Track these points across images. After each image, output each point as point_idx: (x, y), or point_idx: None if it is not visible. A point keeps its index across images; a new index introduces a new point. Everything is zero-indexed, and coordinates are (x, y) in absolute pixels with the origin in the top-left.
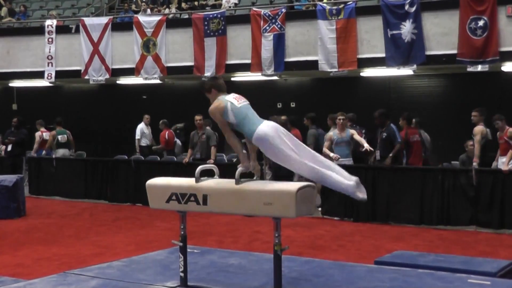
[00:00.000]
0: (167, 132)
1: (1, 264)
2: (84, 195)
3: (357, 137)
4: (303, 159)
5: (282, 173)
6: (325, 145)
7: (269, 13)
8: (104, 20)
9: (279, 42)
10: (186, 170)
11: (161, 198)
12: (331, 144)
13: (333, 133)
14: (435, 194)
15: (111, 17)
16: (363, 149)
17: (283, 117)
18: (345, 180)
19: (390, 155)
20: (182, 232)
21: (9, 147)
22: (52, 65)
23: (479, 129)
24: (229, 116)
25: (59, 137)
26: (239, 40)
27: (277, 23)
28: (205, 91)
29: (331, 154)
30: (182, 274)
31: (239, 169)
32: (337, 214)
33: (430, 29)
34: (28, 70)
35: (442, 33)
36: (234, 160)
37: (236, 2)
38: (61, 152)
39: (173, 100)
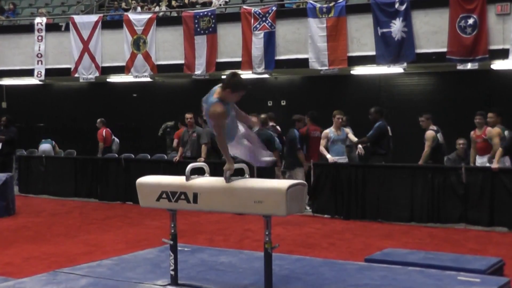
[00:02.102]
0: (104, 130)
1: None
2: (74, 194)
3: (351, 136)
4: None
5: (265, 172)
6: (322, 143)
7: (260, 11)
8: (94, 18)
9: (270, 40)
10: (176, 169)
11: (151, 197)
12: (327, 142)
13: (329, 131)
14: (425, 192)
15: (101, 15)
16: (357, 154)
17: (262, 115)
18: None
19: (359, 140)
20: (173, 231)
21: None
22: (42, 63)
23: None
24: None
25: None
26: (229, 38)
27: (267, 21)
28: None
29: (328, 156)
30: (172, 273)
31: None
32: (328, 212)
33: (420, 27)
34: (18, 68)
35: (432, 31)
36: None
37: (227, 0)
38: (43, 148)
39: (164, 98)
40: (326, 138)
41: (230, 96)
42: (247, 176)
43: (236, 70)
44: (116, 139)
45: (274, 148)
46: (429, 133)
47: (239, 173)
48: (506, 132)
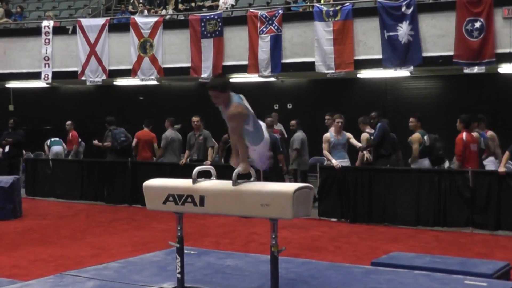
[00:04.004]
0: (76, 133)
1: None
2: (81, 196)
3: (353, 141)
4: None
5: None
6: (324, 147)
7: (266, 14)
8: (101, 21)
9: (276, 43)
10: (183, 172)
11: (158, 199)
12: (329, 146)
13: (330, 134)
14: (432, 196)
15: (108, 18)
16: (365, 160)
17: (269, 119)
18: None
19: (362, 146)
20: (179, 233)
21: (6, 148)
22: (48, 66)
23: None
24: (249, 124)
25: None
26: (236, 42)
27: (274, 25)
28: (219, 90)
29: (333, 161)
30: (179, 275)
31: (237, 169)
32: (334, 216)
33: (427, 30)
34: (25, 71)
35: (438, 35)
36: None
37: (233, 3)
38: (55, 150)
39: (170, 101)
40: (327, 142)
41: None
42: (253, 179)
43: (243, 73)
44: (83, 142)
45: (279, 152)
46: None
47: (246, 176)
48: (425, 137)
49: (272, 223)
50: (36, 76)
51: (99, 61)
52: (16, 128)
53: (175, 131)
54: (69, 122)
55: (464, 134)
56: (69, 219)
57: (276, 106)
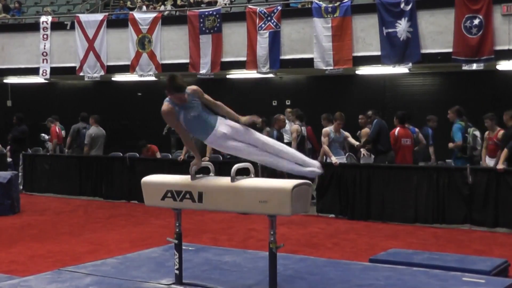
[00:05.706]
0: (57, 128)
1: None
2: (79, 192)
3: (351, 140)
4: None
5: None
6: (324, 141)
7: (265, 10)
8: (99, 16)
9: (275, 39)
10: (181, 168)
11: (156, 196)
12: (329, 141)
13: (330, 130)
14: (430, 193)
15: (106, 13)
16: (362, 156)
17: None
18: (298, 166)
19: (360, 144)
20: (177, 230)
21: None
22: (47, 62)
23: (294, 128)
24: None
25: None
26: (234, 38)
27: (272, 21)
28: (182, 91)
29: (332, 158)
30: (177, 272)
31: (234, 167)
32: (332, 212)
33: (426, 27)
34: (23, 66)
35: (437, 32)
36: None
37: None
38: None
39: None
40: (327, 136)
41: (173, 98)
42: (252, 176)
43: (241, 70)
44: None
45: None
46: (294, 127)
47: (244, 172)
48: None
49: (271, 220)
50: (34, 71)
51: (97, 57)
52: (20, 124)
53: (99, 128)
54: (50, 118)
55: (397, 130)
56: (67, 215)
57: (274, 102)
